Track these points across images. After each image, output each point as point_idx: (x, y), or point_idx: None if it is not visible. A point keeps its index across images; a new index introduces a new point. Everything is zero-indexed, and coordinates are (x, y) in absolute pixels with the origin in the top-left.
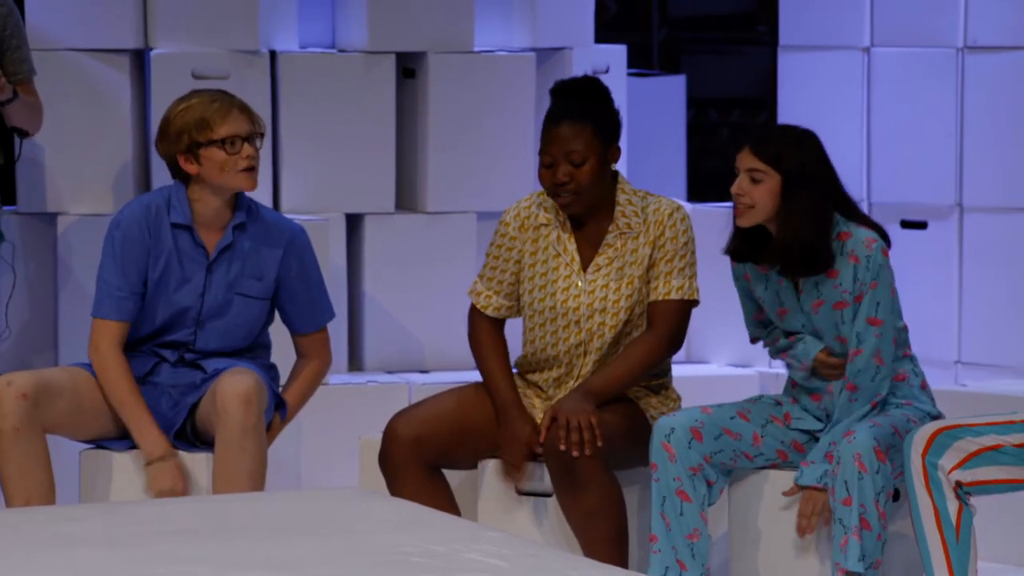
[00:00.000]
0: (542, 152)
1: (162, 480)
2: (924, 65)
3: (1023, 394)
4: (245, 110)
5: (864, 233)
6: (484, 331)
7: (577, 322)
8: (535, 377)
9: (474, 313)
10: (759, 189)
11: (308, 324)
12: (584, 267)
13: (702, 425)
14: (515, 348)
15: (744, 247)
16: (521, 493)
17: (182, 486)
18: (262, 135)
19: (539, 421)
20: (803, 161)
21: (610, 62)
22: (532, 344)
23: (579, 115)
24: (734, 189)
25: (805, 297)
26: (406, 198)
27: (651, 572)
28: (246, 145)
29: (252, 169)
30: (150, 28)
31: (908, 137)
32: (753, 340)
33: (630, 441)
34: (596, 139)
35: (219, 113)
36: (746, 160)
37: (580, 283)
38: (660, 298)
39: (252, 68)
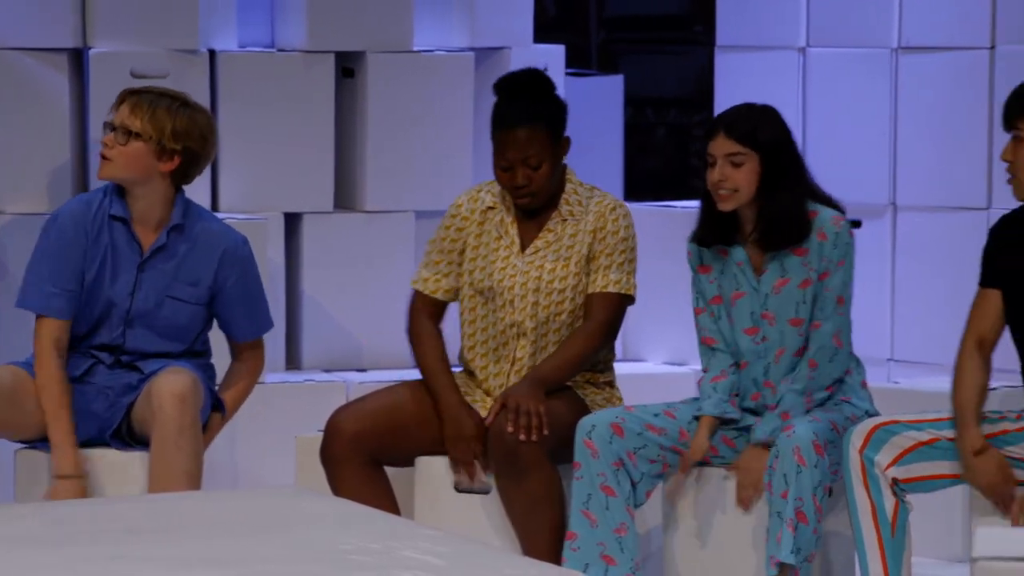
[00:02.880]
0: (497, 155)
1: (61, 497)
2: (859, 65)
3: None
4: (133, 104)
5: (831, 212)
6: (423, 326)
7: (512, 301)
8: (476, 364)
9: (414, 305)
10: (741, 172)
11: (244, 334)
12: (523, 248)
13: (623, 421)
14: (452, 349)
15: (712, 232)
16: (459, 491)
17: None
18: (111, 124)
19: (482, 415)
20: (776, 135)
21: (548, 62)
22: (471, 325)
23: (532, 118)
24: (715, 177)
25: (767, 277)
26: (345, 197)
27: (568, 568)
28: (109, 133)
29: (102, 156)
30: (88, 27)
31: (843, 136)
32: (704, 341)
33: (574, 434)
34: (550, 139)
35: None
36: (722, 146)
37: (518, 263)
38: (598, 290)
39: (191, 67)
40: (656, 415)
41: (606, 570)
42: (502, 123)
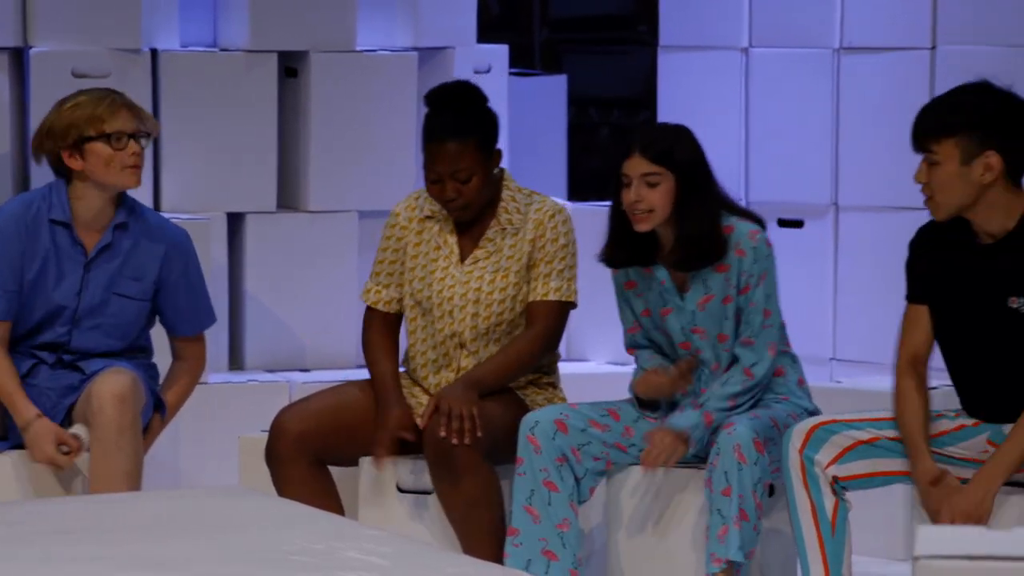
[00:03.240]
0: (428, 168)
1: (42, 441)
2: (801, 65)
3: None
4: (135, 109)
5: (747, 226)
6: (376, 333)
7: (451, 312)
8: (418, 374)
9: (367, 316)
10: (656, 192)
11: (187, 328)
12: (463, 259)
13: (567, 418)
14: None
15: (623, 252)
16: (402, 491)
17: (67, 440)
18: (149, 135)
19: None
20: (690, 155)
21: (492, 62)
22: (412, 335)
23: (462, 131)
24: (631, 197)
25: (691, 295)
26: (288, 197)
27: (510, 565)
28: (132, 142)
29: (136, 167)
30: (29, 26)
31: (785, 136)
32: (629, 350)
33: (512, 435)
34: (480, 152)
35: (109, 109)
36: (638, 166)
37: (457, 274)
38: (539, 298)
39: (133, 67)
40: (601, 414)
41: (548, 566)
42: (431, 136)
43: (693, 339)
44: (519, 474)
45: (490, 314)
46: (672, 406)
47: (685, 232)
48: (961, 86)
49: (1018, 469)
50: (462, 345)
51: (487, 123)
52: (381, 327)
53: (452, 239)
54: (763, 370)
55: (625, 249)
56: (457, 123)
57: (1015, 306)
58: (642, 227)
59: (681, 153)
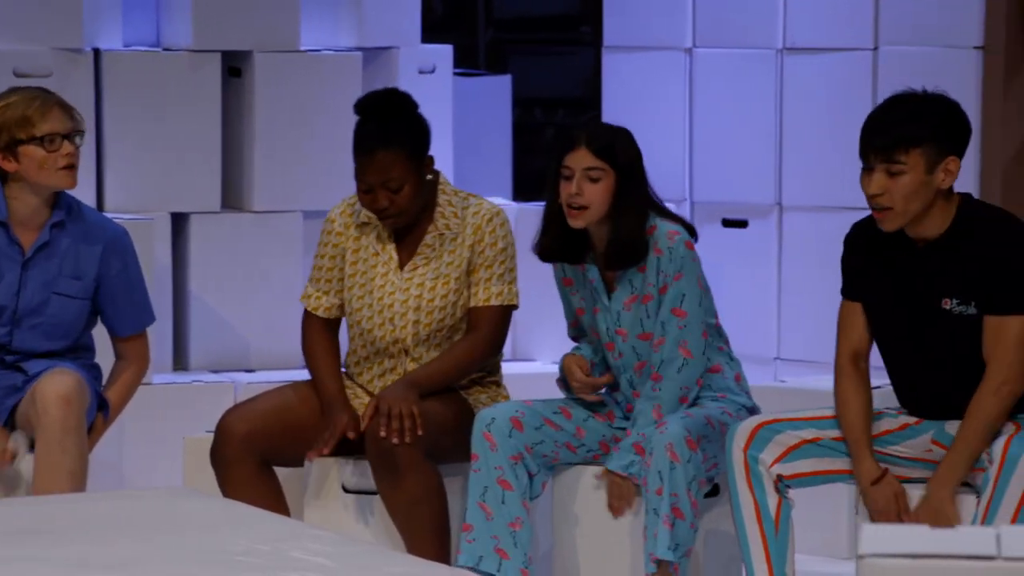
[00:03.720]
0: (358, 178)
1: None
2: (745, 66)
3: None
4: (66, 108)
5: (668, 226)
6: (316, 336)
7: (392, 319)
8: (361, 378)
9: (306, 319)
10: (597, 188)
11: (128, 327)
12: (402, 266)
13: (523, 415)
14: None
15: (555, 246)
16: (347, 491)
17: (6, 447)
18: (82, 133)
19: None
20: (630, 156)
21: (436, 62)
22: (353, 342)
23: (391, 141)
24: (572, 190)
25: (617, 296)
26: (232, 197)
27: (462, 561)
28: (66, 143)
29: (71, 167)
30: None
31: (729, 137)
32: (574, 339)
33: (455, 434)
34: (410, 162)
35: (40, 111)
36: (582, 159)
37: (396, 281)
38: (480, 304)
39: (76, 66)
40: (554, 412)
41: (499, 564)
42: (360, 146)
43: (616, 340)
44: (474, 470)
45: (431, 321)
46: (619, 406)
47: (617, 232)
48: (907, 94)
49: (967, 472)
50: (405, 352)
51: (417, 131)
52: (321, 331)
53: (390, 246)
54: (672, 372)
55: (557, 243)
56: (386, 132)
57: (948, 307)
58: (576, 223)
59: (623, 152)
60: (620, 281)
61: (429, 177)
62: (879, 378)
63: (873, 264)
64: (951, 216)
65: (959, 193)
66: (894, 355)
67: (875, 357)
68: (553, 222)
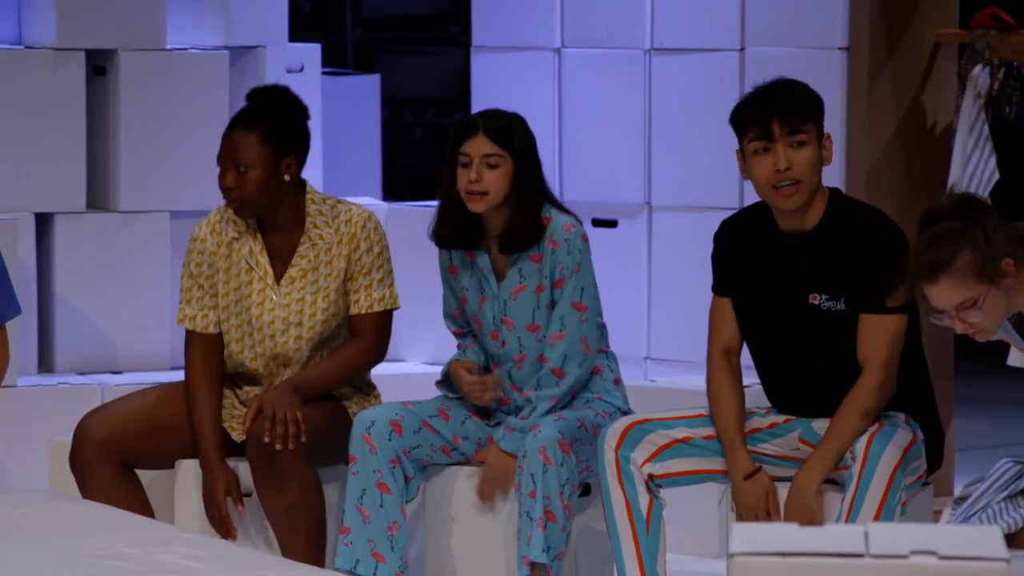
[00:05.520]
0: (218, 157)
1: None
2: (613, 66)
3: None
4: None
5: (564, 218)
6: (198, 368)
7: (272, 336)
8: (242, 394)
9: (190, 342)
10: (495, 174)
11: None
12: (278, 280)
13: (402, 419)
14: None
15: (453, 233)
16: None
17: None
18: None
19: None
20: (527, 141)
21: (304, 61)
22: (231, 359)
23: (250, 122)
24: (471, 176)
25: (506, 284)
26: (98, 197)
27: (339, 564)
28: None
29: None
30: None
31: (598, 137)
32: (455, 334)
33: (332, 437)
34: (264, 148)
35: None
36: (481, 146)
37: (275, 296)
38: (363, 311)
39: None
40: (431, 415)
41: (376, 567)
42: (227, 126)
43: (501, 329)
44: (352, 473)
45: (313, 335)
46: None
47: (514, 216)
48: (786, 80)
49: (835, 467)
50: (286, 365)
51: (282, 125)
52: (207, 357)
53: (264, 259)
54: (575, 367)
55: (455, 230)
56: (250, 115)
57: (816, 303)
58: (476, 208)
59: (520, 139)
60: (510, 269)
61: (287, 178)
62: (749, 377)
63: (742, 259)
64: (823, 209)
65: (828, 188)
66: (763, 351)
67: (745, 356)
68: (450, 209)
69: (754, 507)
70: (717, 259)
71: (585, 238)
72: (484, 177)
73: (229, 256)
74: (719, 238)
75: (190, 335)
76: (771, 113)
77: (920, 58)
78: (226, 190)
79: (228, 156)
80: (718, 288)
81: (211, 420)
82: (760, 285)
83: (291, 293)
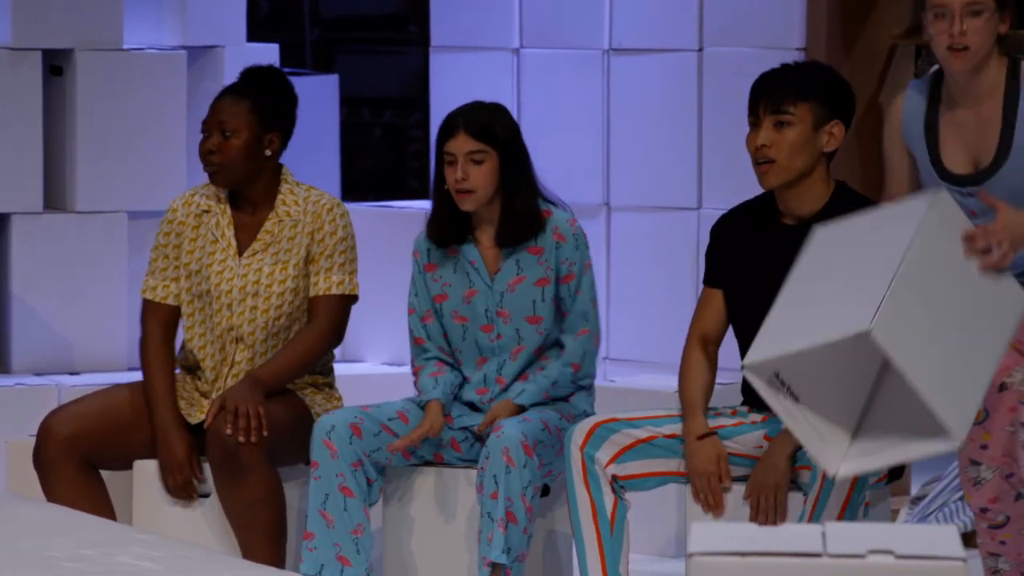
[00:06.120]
0: (203, 123)
1: None
2: (571, 66)
3: (668, 389)
4: None
5: (565, 213)
6: (154, 337)
7: (229, 305)
8: (202, 385)
9: (145, 315)
10: (481, 170)
11: None
12: (240, 252)
13: (362, 422)
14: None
15: (447, 230)
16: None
17: None
18: None
19: (200, 418)
20: (511, 132)
21: (262, 61)
22: (189, 330)
23: (241, 92)
24: (457, 175)
25: (501, 276)
26: (55, 197)
27: (304, 569)
28: None
29: None
30: None
31: (557, 137)
32: (417, 342)
33: (294, 436)
34: (251, 116)
35: None
36: (464, 144)
37: (235, 267)
38: (321, 293)
39: None
40: (391, 418)
41: (341, 571)
42: (217, 96)
43: (497, 321)
44: (314, 478)
45: (269, 307)
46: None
47: (511, 207)
48: (799, 62)
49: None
50: (239, 339)
51: (272, 98)
52: (162, 328)
53: (229, 232)
54: (589, 364)
55: (449, 227)
56: (239, 85)
57: None
58: (467, 206)
59: (502, 130)
60: (505, 262)
61: (268, 153)
62: (725, 377)
63: (739, 249)
64: (826, 198)
65: (837, 180)
66: (752, 339)
67: (726, 359)
68: (442, 207)
69: (705, 470)
70: (712, 251)
71: (585, 234)
72: (470, 174)
73: (197, 228)
74: (716, 231)
75: (148, 305)
76: (762, 90)
77: (877, 58)
78: (207, 153)
79: (215, 120)
80: (709, 279)
81: (166, 388)
82: (756, 271)
83: (251, 264)
